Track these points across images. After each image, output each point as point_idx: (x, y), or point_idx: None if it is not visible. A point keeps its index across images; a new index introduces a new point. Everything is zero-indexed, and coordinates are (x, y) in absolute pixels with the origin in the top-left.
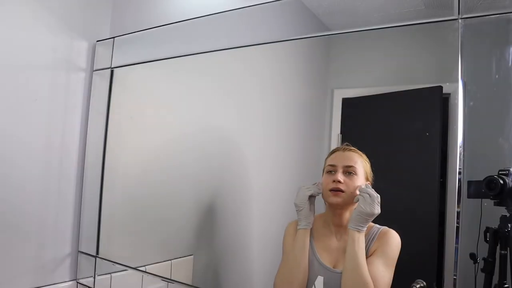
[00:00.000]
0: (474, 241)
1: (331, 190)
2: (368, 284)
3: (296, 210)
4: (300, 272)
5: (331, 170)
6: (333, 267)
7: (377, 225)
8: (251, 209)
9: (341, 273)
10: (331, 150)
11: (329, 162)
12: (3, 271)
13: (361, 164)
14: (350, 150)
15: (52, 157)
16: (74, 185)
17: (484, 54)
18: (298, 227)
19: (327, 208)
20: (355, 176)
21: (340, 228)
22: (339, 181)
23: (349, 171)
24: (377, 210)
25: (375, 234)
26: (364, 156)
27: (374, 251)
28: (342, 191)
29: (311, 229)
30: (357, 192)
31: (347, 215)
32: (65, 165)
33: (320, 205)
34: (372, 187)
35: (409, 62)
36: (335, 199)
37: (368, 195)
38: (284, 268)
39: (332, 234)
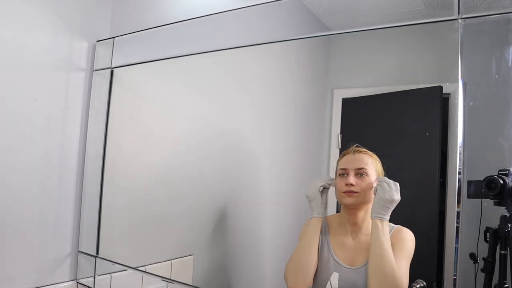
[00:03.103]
0: (474, 241)
1: (344, 192)
2: (395, 271)
3: (308, 201)
4: (308, 257)
5: (343, 173)
6: (348, 265)
7: (391, 224)
8: (252, 208)
9: (355, 269)
10: (342, 153)
11: (341, 165)
12: (3, 271)
13: (372, 165)
14: (360, 152)
15: (52, 156)
16: (74, 185)
17: (484, 54)
18: (311, 216)
19: (343, 209)
20: (367, 177)
21: (355, 226)
22: (351, 184)
23: (360, 173)
24: (397, 196)
25: (390, 232)
26: (375, 156)
27: (392, 246)
28: (355, 192)
29: (328, 227)
30: (374, 184)
31: (361, 214)
32: (65, 164)
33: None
34: None
35: (409, 62)
36: (349, 200)
37: (386, 184)
38: (294, 253)
39: (348, 233)
